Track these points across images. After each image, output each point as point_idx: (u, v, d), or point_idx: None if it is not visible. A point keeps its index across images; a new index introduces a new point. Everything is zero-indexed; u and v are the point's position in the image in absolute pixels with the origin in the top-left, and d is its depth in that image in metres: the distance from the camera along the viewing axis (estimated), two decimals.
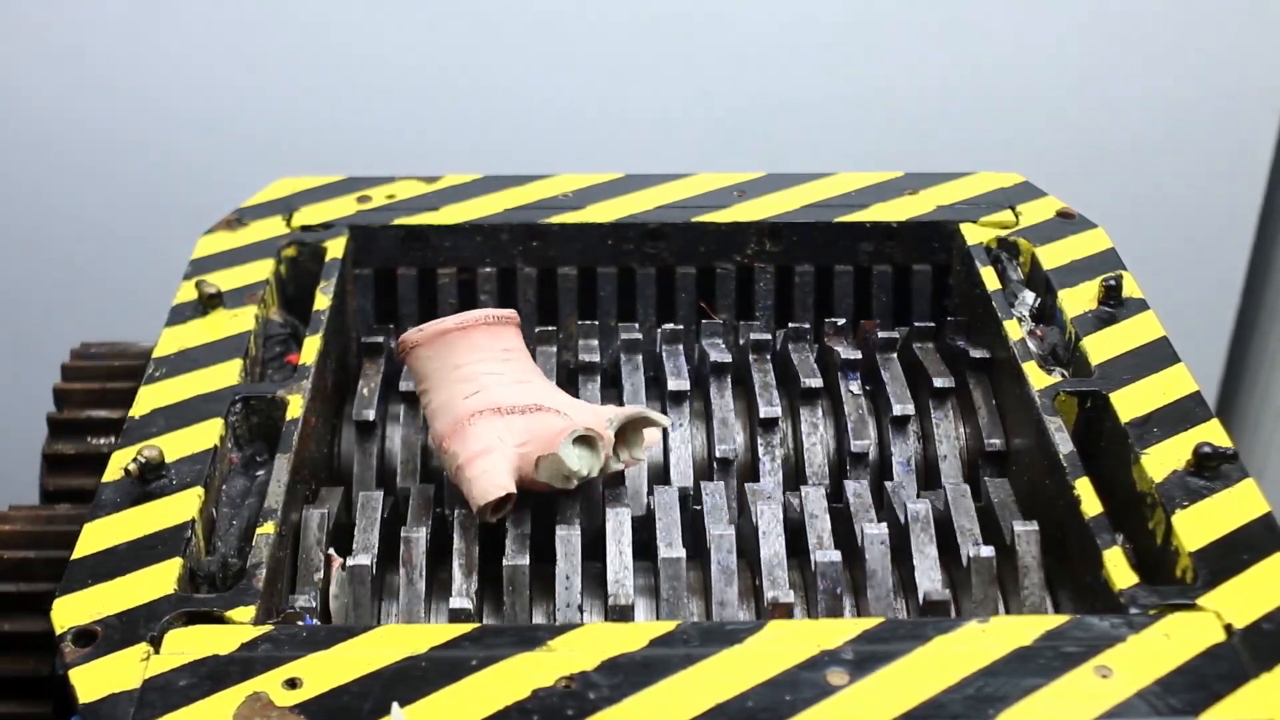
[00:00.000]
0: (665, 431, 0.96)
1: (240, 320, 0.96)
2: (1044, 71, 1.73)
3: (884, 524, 0.84)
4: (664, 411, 0.97)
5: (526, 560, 0.83)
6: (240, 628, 0.72)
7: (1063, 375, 0.92)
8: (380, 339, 1.01)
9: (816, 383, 0.97)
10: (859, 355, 0.98)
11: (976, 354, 0.98)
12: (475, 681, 0.69)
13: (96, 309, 1.78)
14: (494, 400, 0.87)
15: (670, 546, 0.83)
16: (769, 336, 1.01)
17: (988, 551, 0.82)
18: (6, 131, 1.68)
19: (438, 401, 0.89)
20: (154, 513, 0.80)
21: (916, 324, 1.01)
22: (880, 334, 0.99)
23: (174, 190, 1.73)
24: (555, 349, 1.04)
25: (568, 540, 0.84)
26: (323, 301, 0.98)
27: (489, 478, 0.84)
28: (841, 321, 1.03)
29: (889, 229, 1.07)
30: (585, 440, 0.85)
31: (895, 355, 0.99)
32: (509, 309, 0.94)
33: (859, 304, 1.09)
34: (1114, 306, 0.95)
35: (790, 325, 1.03)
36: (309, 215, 1.07)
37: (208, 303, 0.97)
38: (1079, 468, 0.83)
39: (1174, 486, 0.81)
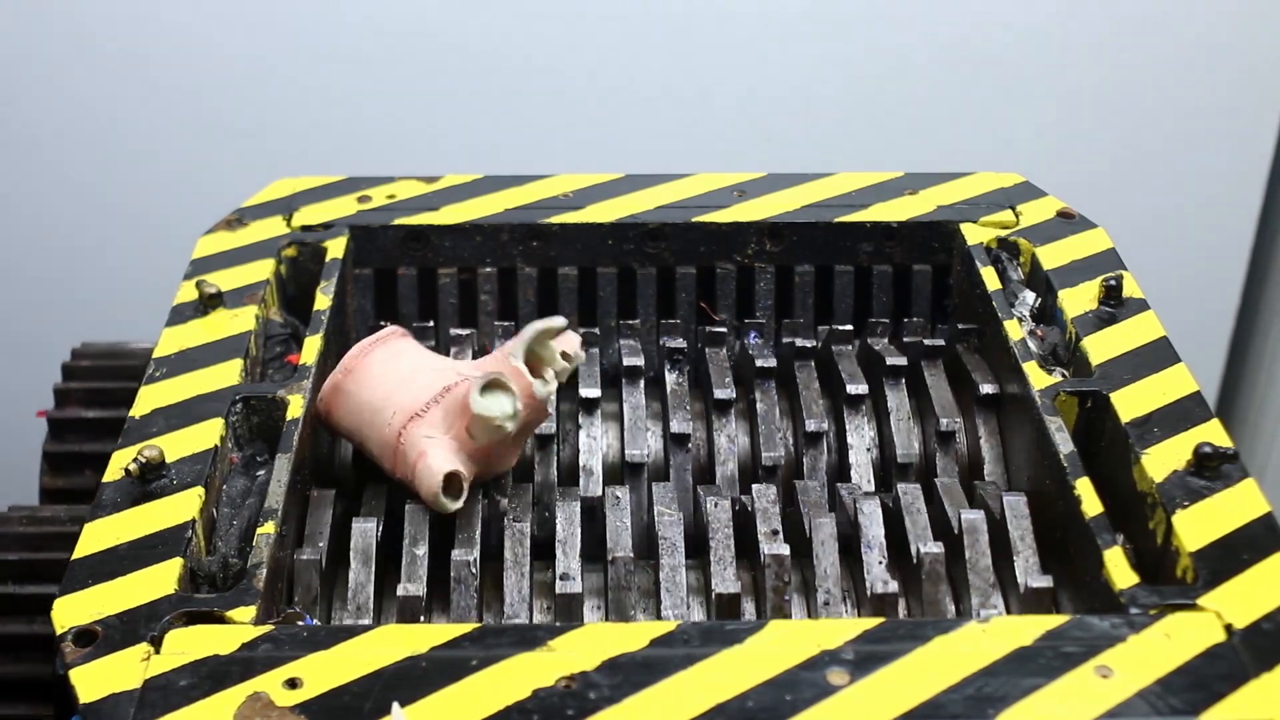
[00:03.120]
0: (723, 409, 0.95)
1: (240, 320, 0.96)
2: (1044, 71, 1.73)
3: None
4: (710, 419, 0.97)
5: (476, 554, 0.83)
6: (240, 628, 0.72)
7: (1063, 375, 0.92)
8: None
9: (861, 388, 0.96)
10: (904, 360, 0.98)
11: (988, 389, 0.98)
12: (475, 681, 0.69)
13: (96, 309, 1.78)
14: (407, 408, 0.86)
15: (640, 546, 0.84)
16: (813, 343, 1.01)
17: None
18: (6, 131, 1.68)
19: (372, 444, 0.88)
20: (154, 513, 0.80)
21: (960, 325, 1.01)
22: (925, 341, 0.99)
23: (174, 190, 1.73)
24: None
25: (520, 538, 0.84)
26: (323, 301, 0.98)
27: (427, 471, 0.84)
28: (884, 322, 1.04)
29: (889, 229, 1.07)
30: (493, 385, 0.84)
31: (940, 361, 0.99)
32: (389, 326, 0.94)
33: (859, 304, 1.09)
34: (1114, 306, 0.95)
35: (833, 328, 1.02)
36: (309, 215, 1.07)
37: (208, 303, 0.97)
38: (1079, 468, 0.83)
39: (1174, 486, 0.81)
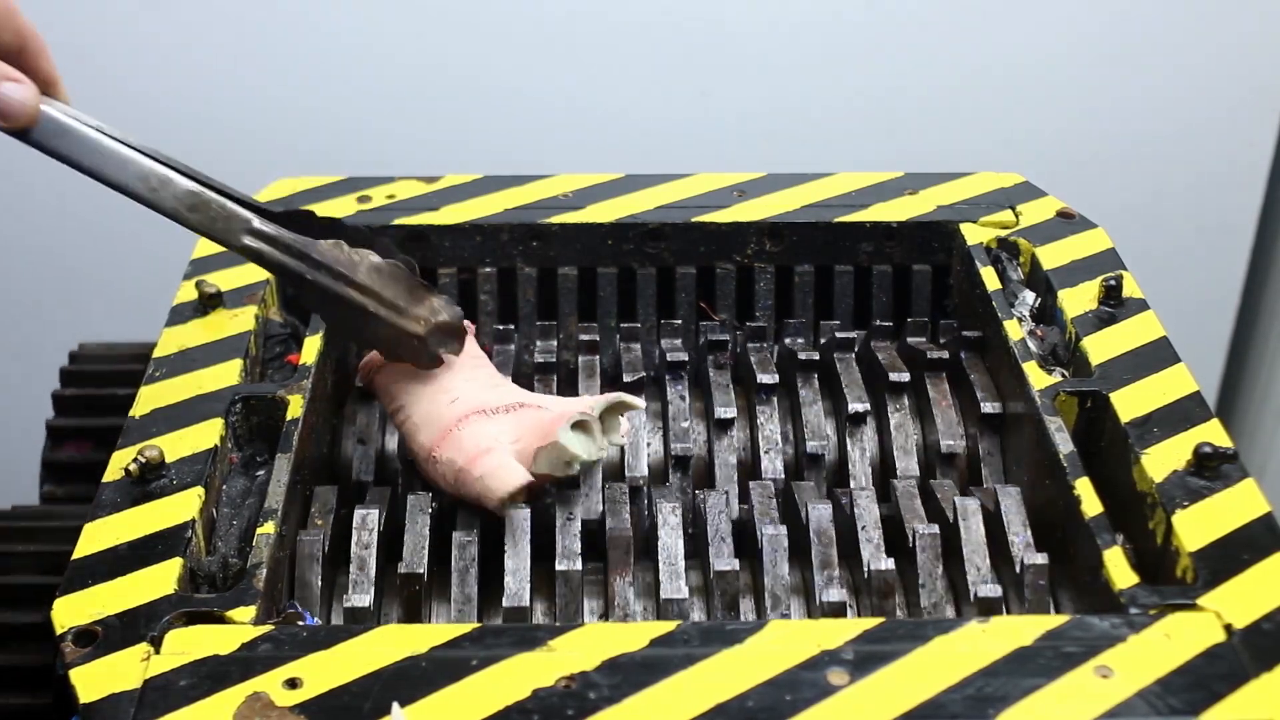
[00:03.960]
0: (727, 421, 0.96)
1: (240, 320, 0.96)
2: (1044, 71, 1.73)
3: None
4: (754, 409, 0.98)
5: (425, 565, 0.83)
6: (240, 628, 0.72)
7: (1063, 375, 0.92)
8: None
9: (904, 377, 0.97)
10: (946, 354, 0.98)
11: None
12: (475, 681, 0.69)
13: (96, 309, 1.78)
14: (477, 403, 0.87)
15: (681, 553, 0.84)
16: (853, 335, 1.01)
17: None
18: None
19: (418, 415, 0.89)
20: (154, 513, 0.80)
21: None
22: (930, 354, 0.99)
23: None
24: (555, 348, 1.04)
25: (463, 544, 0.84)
26: None
27: (504, 470, 0.84)
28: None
29: (889, 229, 1.07)
30: (582, 425, 0.86)
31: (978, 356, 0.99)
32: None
33: (859, 304, 1.09)
34: (1114, 306, 0.95)
35: (875, 324, 1.02)
36: None
37: (208, 303, 0.97)
38: (1079, 468, 0.83)
39: (1174, 486, 0.81)
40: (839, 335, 1.00)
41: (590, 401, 0.88)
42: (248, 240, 0.81)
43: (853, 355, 1.00)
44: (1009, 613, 0.82)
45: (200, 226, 0.80)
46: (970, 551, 0.83)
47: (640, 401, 0.89)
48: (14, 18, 0.77)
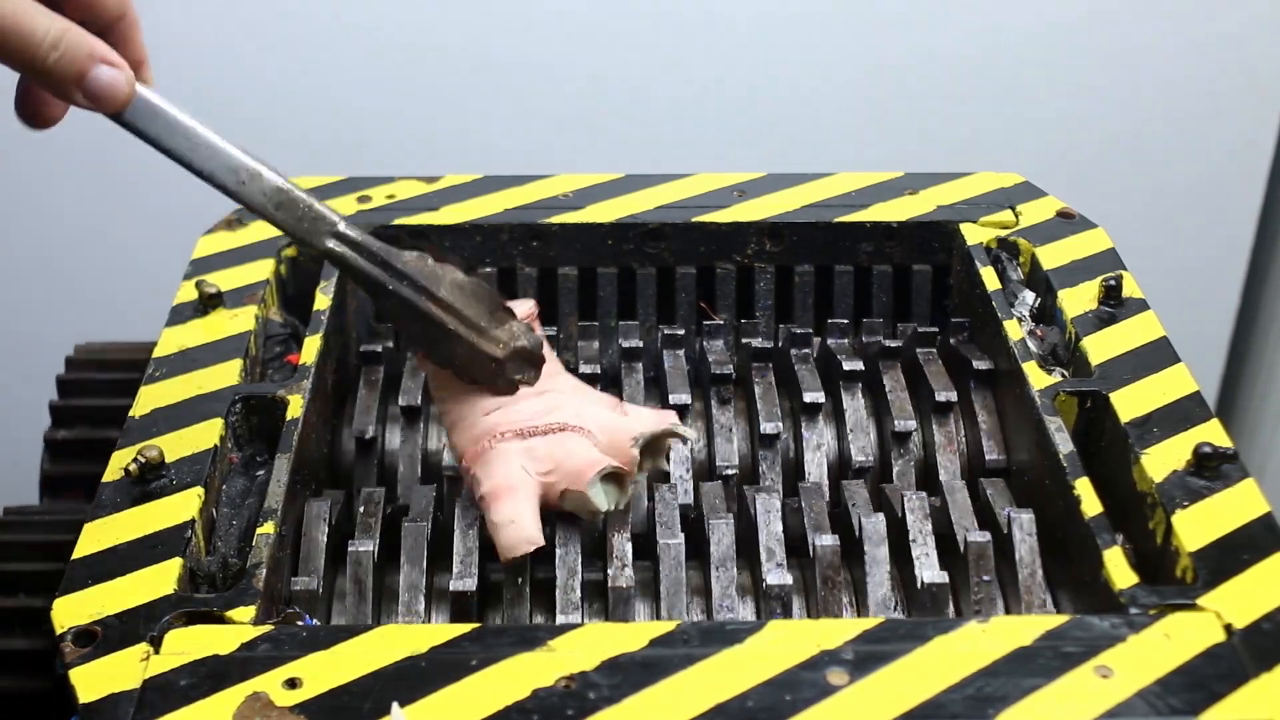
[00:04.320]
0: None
1: (240, 320, 0.96)
2: (1044, 71, 1.73)
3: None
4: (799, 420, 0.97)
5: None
6: (240, 628, 0.72)
7: (1063, 375, 0.92)
8: (378, 348, 1.00)
9: (951, 395, 0.96)
10: (990, 365, 0.97)
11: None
12: (475, 681, 0.69)
13: (96, 309, 1.78)
14: (514, 420, 0.84)
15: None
16: (899, 343, 1.00)
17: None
18: (6, 130, 1.68)
19: (456, 413, 0.86)
20: (154, 513, 0.80)
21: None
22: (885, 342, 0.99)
23: (174, 190, 1.72)
24: (555, 348, 1.04)
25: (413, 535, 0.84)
26: (323, 301, 0.98)
27: (517, 530, 0.80)
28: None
29: (889, 229, 1.07)
30: (614, 477, 0.83)
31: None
32: (527, 300, 0.92)
33: (859, 304, 1.09)
34: (1114, 306, 0.95)
35: (918, 329, 1.01)
36: None
37: (208, 303, 0.97)
38: (1079, 468, 0.83)
39: (1174, 486, 0.81)
40: (887, 344, 1.00)
41: (635, 429, 0.84)
42: (331, 243, 0.79)
43: (899, 365, 0.99)
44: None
45: (285, 224, 0.78)
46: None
47: (691, 433, 0.87)
48: None
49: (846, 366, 0.97)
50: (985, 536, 0.83)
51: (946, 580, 0.81)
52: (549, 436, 0.83)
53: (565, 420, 0.84)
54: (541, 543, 0.80)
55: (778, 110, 1.73)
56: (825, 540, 0.83)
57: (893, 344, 0.99)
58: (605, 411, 0.87)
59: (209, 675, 0.69)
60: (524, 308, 0.88)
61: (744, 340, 1.02)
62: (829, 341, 1.02)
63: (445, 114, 1.71)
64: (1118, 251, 1.02)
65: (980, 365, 0.96)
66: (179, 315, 0.97)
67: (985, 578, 0.81)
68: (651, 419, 0.86)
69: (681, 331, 1.03)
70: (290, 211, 0.78)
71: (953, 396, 0.95)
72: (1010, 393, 0.93)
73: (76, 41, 0.66)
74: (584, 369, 1.01)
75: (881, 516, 0.84)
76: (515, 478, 0.82)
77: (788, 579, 0.82)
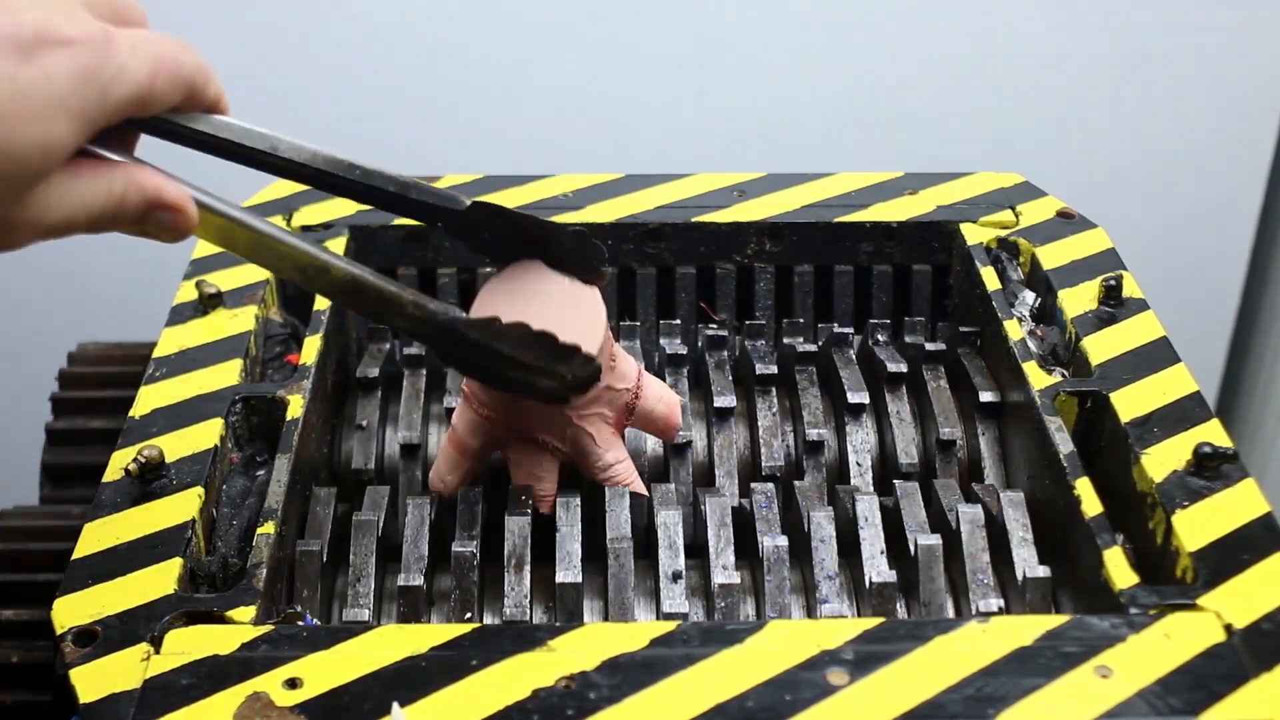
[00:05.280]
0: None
1: (240, 320, 0.96)
2: (1045, 72, 1.73)
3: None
4: (841, 424, 0.97)
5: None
6: (240, 628, 0.73)
7: (1063, 375, 0.92)
8: (420, 351, 1.00)
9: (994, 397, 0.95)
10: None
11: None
12: (475, 681, 0.69)
13: (97, 309, 1.78)
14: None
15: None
16: (943, 346, 1.00)
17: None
18: None
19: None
20: (154, 513, 0.80)
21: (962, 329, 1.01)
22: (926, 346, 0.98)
23: None
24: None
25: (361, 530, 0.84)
26: (323, 301, 0.98)
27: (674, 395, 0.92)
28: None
29: (889, 229, 1.07)
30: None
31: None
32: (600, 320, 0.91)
33: (859, 304, 1.09)
34: (1114, 306, 0.95)
35: (963, 330, 1.01)
36: (309, 215, 1.07)
37: (208, 303, 0.97)
38: (1079, 468, 0.83)
39: (1174, 486, 0.81)
40: (922, 345, 0.99)
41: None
42: (402, 324, 0.81)
43: (943, 369, 0.99)
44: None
45: (357, 309, 0.82)
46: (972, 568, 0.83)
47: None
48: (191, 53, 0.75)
49: (891, 368, 0.97)
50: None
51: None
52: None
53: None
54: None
55: (778, 110, 1.73)
56: (927, 540, 0.82)
57: (935, 347, 0.99)
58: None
59: (209, 675, 0.69)
60: (595, 337, 0.87)
61: (784, 341, 1.02)
62: (869, 341, 1.01)
63: (445, 114, 1.71)
64: (1118, 251, 1.02)
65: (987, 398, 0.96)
66: (179, 315, 0.97)
67: None
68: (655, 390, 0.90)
69: (724, 333, 1.02)
70: (359, 298, 0.79)
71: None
72: (1010, 393, 0.93)
73: (135, 203, 0.70)
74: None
75: (980, 510, 0.84)
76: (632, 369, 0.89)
77: (891, 576, 0.82)
